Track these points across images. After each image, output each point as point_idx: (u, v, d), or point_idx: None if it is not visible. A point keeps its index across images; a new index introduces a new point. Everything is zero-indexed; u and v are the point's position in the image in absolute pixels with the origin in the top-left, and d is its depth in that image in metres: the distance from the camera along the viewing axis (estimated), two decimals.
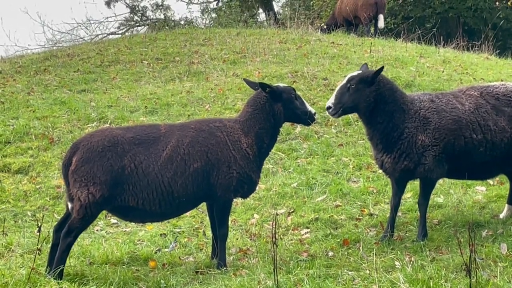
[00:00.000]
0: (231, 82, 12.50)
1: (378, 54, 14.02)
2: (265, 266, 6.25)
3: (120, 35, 25.37)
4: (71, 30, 25.09)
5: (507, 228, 6.91)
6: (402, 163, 6.71)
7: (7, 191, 8.90)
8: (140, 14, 29.63)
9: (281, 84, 6.79)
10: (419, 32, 17.47)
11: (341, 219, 7.66)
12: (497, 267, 5.83)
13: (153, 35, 17.96)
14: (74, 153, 6.08)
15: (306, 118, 6.71)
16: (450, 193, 8.18)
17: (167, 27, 21.67)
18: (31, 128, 10.48)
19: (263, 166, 6.92)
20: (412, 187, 8.03)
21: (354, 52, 14.48)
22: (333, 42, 15.59)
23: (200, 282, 6.11)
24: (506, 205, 7.40)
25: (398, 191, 7.00)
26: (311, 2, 24.93)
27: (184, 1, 29.72)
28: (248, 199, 7.63)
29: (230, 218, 7.13)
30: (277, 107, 6.56)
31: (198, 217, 8.01)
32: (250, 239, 7.28)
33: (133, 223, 7.66)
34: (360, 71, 6.87)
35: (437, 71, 13.04)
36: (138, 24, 28.94)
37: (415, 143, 6.65)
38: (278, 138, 6.99)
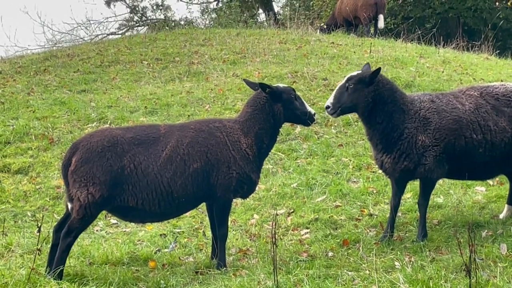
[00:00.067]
0: (231, 83, 12.50)
1: (378, 54, 14.02)
2: (265, 267, 6.25)
3: (120, 36, 25.37)
4: (71, 30, 25.12)
5: (506, 229, 6.91)
6: (402, 164, 6.71)
7: (7, 191, 8.91)
8: (140, 15, 29.64)
9: (281, 85, 6.79)
10: (419, 32, 17.48)
11: (341, 219, 7.66)
12: (497, 268, 5.83)
13: (153, 36, 17.96)
14: (73, 153, 6.08)
15: (306, 119, 6.72)
16: (450, 193, 8.18)
17: (167, 27, 21.66)
18: (31, 128, 10.49)
19: (263, 167, 6.92)
20: (412, 188, 8.03)
21: (354, 52, 14.48)
22: (333, 43, 15.60)
23: (200, 283, 6.12)
24: (506, 205, 7.40)
25: (398, 191, 7.00)
26: (311, 2, 24.93)
27: (184, 1, 29.74)
28: (248, 199, 7.64)
29: (230, 219, 7.13)
30: (277, 108, 6.56)
31: (198, 217, 8.01)
32: (250, 240, 7.28)
33: (133, 223, 7.66)
34: (359, 71, 6.88)
35: (437, 72, 13.04)
36: (138, 24, 28.94)
37: (415, 143, 6.65)
38: (278, 139, 6.99)
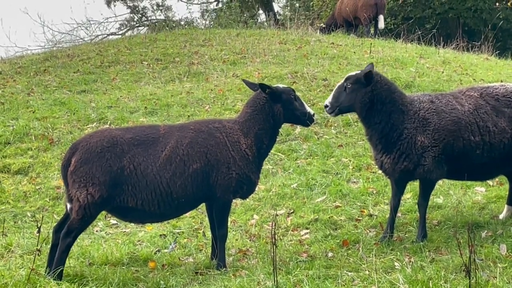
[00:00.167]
0: (231, 83, 12.50)
1: (378, 54, 14.02)
2: (265, 267, 6.25)
3: (120, 36, 25.37)
4: (71, 31, 25.10)
5: (506, 229, 6.91)
6: (401, 164, 6.71)
7: (7, 191, 8.91)
8: (140, 15, 29.63)
9: (281, 85, 6.80)
10: (419, 32, 17.48)
11: (340, 220, 7.66)
12: (497, 268, 5.84)
13: (153, 36, 17.97)
14: (73, 153, 6.09)
15: (305, 119, 6.73)
16: (449, 194, 8.18)
17: (167, 28, 21.65)
18: (31, 128, 10.49)
19: (262, 167, 6.92)
20: (412, 188, 8.03)
21: (354, 52, 14.48)
22: (333, 43, 15.60)
23: (200, 283, 6.12)
24: (506, 205, 7.40)
25: (398, 192, 7.01)
26: (311, 3, 24.93)
27: (184, 1, 29.74)
28: (247, 199, 7.64)
29: (229, 219, 7.14)
30: (276, 108, 6.56)
31: (197, 218, 8.01)
32: (250, 240, 7.28)
33: (132, 224, 7.67)
34: (358, 71, 6.91)
35: (437, 72, 13.04)
36: (138, 24, 28.94)
37: (415, 143, 6.66)
38: (277, 139, 6.99)
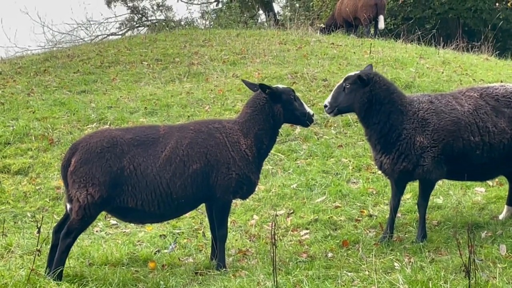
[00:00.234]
0: (231, 83, 12.50)
1: (377, 55, 14.02)
2: (265, 267, 6.25)
3: (120, 36, 25.37)
4: (71, 31, 25.13)
5: (506, 229, 6.91)
6: (400, 164, 6.72)
7: (7, 192, 8.91)
8: (140, 15, 29.63)
9: (280, 86, 6.80)
10: (419, 33, 17.47)
11: (340, 220, 7.66)
12: (496, 268, 5.84)
13: (153, 36, 17.97)
14: (73, 154, 6.09)
15: (305, 120, 6.74)
16: (449, 194, 8.18)
17: (167, 28, 21.66)
18: (31, 129, 10.49)
19: (262, 167, 6.92)
20: (412, 188, 8.03)
21: (354, 53, 14.49)
22: (332, 43, 15.60)
23: (200, 283, 6.12)
24: (506, 206, 7.40)
25: (398, 192, 7.01)
26: (311, 3, 24.93)
27: (184, 1, 29.74)
28: (247, 200, 7.64)
29: (229, 219, 7.14)
30: (276, 108, 6.57)
31: (197, 218, 8.01)
32: (250, 240, 7.28)
33: (132, 224, 7.67)
34: (357, 72, 6.93)
35: (437, 72, 13.04)
36: (138, 25, 28.94)
37: (414, 144, 6.66)
38: (277, 139, 6.99)
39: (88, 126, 10.74)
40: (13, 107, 11.69)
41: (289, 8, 29.12)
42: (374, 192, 8.38)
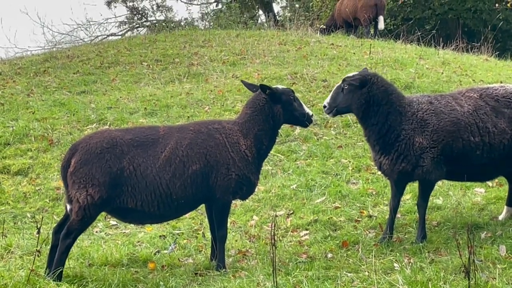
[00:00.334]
0: (231, 84, 12.50)
1: (377, 55, 14.02)
2: (264, 268, 6.26)
3: (120, 37, 25.37)
4: (70, 32, 25.12)
5: (506, 230, 6.91)
6: (400, 165, 6.72)
7: (7, 192, 8.91)
8: (140, 16, 29.63)
9: (280, 86, 6.80)
10: (419, 33, 17.47)
11: (340, 220, 7.66)
12: (496, 269, 5.84)
13: (152, 37, 17.97)
14: (73, 154, 6.09)
15: (304, 120, 6.75)
16: (449, 194, 8.18)
17: (167, 29, 21.65)
18: (30, 129, 10.49)
19: (262, 168, 6.92)
20: (411, 189, 8.04)
21: (354, 53, 14.49)
22: (332, 44, 15.60)
23: (199, 284, 6.12)
24: (505, 207, 7.40)
25: (397, 192, 7.01)
26: (311, 4, 24.93)
27: (183, 1, 29.73)
28: (247, 200, 7.65)
29: (229, 220, 7.14)
30: (276, 109, 6.57)
31: (197, 218, 8.02)
32: (249, 241, 7.28)
33: (132, 225, 7.67)
34: (355, 73, 6.95)
35: (437, 73, 13.04)
36: (138, 25, 28.94)
37: (413, 145, 6.66)
38: (277, 140, 7.00)
39: (88, 127, 10.74)
40: (13, 108, 11.69)
41: (289, 8, 29.13)
42: (374, 192, 8.38)
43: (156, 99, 12.02)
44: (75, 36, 24.85)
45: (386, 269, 6.11)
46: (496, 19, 21.50)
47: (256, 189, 6.81)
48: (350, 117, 10.43)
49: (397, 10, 23.28)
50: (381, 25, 17.34)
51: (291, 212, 8.03)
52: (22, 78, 14.20)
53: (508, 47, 22.47)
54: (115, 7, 29.31)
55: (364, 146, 9.63)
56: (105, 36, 26.02)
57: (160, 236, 7.55)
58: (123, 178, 6.05)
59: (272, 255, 5.67)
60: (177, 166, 6.17)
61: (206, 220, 6.93)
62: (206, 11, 29.02)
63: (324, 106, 7.00)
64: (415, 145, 6.66)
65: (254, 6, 29.03)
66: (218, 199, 6.34)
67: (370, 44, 15.04)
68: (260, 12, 29.79)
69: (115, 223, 8.00)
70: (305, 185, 8.69)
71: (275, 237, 5.83)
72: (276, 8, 30.22)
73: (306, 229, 7.51)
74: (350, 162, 9.36)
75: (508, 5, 22.11)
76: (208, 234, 7.06)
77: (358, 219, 7.68)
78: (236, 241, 7.29)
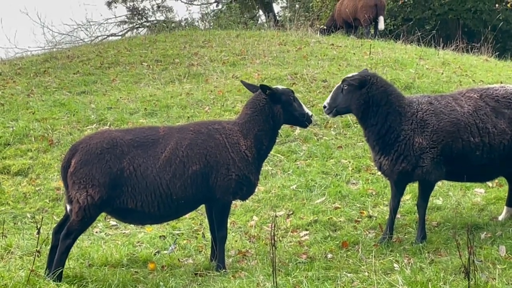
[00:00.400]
0: (231, 84, 12.51)
1: (377, 56, 14.02)
2: (264, 268, 6.26)
3: (120, 37, 25.37)
4: (71, 32, 25.12)
5: (506, 230, 6.92)
6: (399, 165, 6.72)
7: (7, 193, 8.91)
8: (140, 16, 29.63)
9: (280, 86, 6.81)
10: (419, 34, 17.47)
11: (340, 221, 7.66)
12: (496, 269, 5.84)
13: (152, 37, 17.97)
14: (73, 155, 6.09)
15: (304, 120, 6.75)
16: (449, 195, 8.18)
17: (167, 29, 21.65)
18: (30, 130, 10.49)
19: (262, 168, 6.93)
20: (411, 189, 8.03)
21: (354, 54, 14.49)
22: (332, 44, 15.60)
23: (199, 284, 6.13)
24: (505, 207, 7.41)
25: (397, 193, 7.01)
26: (311, 4, 24.93)
27: (183, 1, 29.73)
28: (247, 201, 7.64)
29: (229, 220, 7.14)
30: (276, 109, 6.57)
31: (197, 219, 8.02)
32: (249, 241, 7.28)
33: (132, 225, 7.67)
34: (355, 73, 6.97)
35: (437, 73, 13.04)
36: (138, 25, 28.95)
37: (412, 145, 6.67)
38: (277, 140, 7.00)
39: (88, 127, 10.74)
40: (13, 108, 11.69)
41: (289, 9, 29.13)
42: (374, 193, 8.38)
43: (156, 99, 12.02)
44: (75, 37, 24.87)
45: (386, 270, 6.11)
46: (496, 20, 21.50)
47: (256, 190, 6.81)
48: (350, 118, 10.43)
49: (397, 10, 23.28)
50: (381, 25, 17.35)
51: (291, 212, 8.03)
52: (22, 78, 14.21)
53: (508, 48, 22.48)
54: (116, 7, 29.32)
55: (364, 147, 9.64)
56: (105, 36, 26.04)
57: (160, 236, 7.56)
58: (123, 179, 6.05)
59: (272, 255, 5.67)
60: (177, 167, 6.17)
61: (206, 220, 6.93)
62: (206, 12, 29.02)
63: (324, 107, 7.02)
64: (415, 146, 6.66)
65: (254, 6, 29.03)
66: (218, 200, 6.34)
67: (370, 45, 15.04)
68: (260, 12, 29.80)
69: (115, 223, 8.01)
70: (305, 185, 8.69)
71: (275, 237, 5.83)
72: (276, 8, 30.25)
73: (306, 230, 7.51)
74: (350, 162, 9.36)
75: (508, 5, 22.10)
76: (208, 235, 7.06)
77: (358, 220, 7.69)
78: (236, 241, 7.29)
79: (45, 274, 6.02)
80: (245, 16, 27.17)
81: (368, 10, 17.15)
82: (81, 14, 56.51)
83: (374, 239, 7.05)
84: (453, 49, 16.52)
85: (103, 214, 6.99)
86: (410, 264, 6.09)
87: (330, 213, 7.88)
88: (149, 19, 29.51)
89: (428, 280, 5.61)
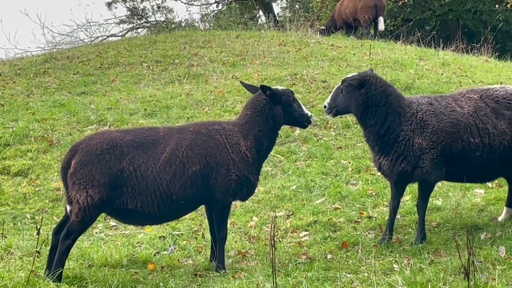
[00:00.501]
0: (231, 85, 12.51)
1: (377, 56, 14.03)
2: (264, 269, 6.26)
3: (119, 38, 25.38)
4: (71, 32, 25.12)
5: (505, 231, 6.92)
6: (399, 166, 6.72)
7: (7, 193, 8.91)
8: (140, 16, 29.64)
9: (280, 87, 6.81)
10: (419, 34, 17.47)
11: (340, 221, 7.67)
12: (496, 270, 5.84)
13: (152, 38, 17.97)
14: (73, 155, 6.09)
15: (303, 121, 6.77)
16: (448, 195, 8.18)
17: (166, 29, 21.65)
18: (30, 130, 10.49)
19: (262, 169, 6.93)
20: (411, 190, 8.03)
21: (354, 54, 14.49)
22: (332, 45, 15.60)
23: (199, 285, 6.13)
24: (505, 207, 7.40)
25: (397, 193, 7.01)
26: (311, 4, 24.93)
27: (183, 2, 29.73)
28: (247, 201, 7.64)
29: (229, 221, 7.14)
30: (276, 110, 6.58)
31: (197, 219, 8.02)
32: (249, 242, 7.28)
33: (132, 226, 7.67)
34: (355, 73, 6.98)
35: (436, 74, 13.04)
36: (138, 26, 28.95)
37: (412, 145, 6.67)
38: (277, 141, 7.00)
39: (87, 128, 10.74)
40: (12, 109, 11.69)
41: (289, 9, 29.14)
42: (374, 193, 8.38)
43: (156, 100, 12.02)
44: (75, 37, 24.87)
45: (385, 270, 6.11)
46: (496, 20, 21.51)
47: (256, 190, 6.81)
48: (350, 118, 10.43)
49: (397, 11, 23.29)
50: (381, 26, 17.35)
51: (291, 213, 8.03)
52: (22, 79, 14.21)
53: (508, 48, 22.49)
54: (116, 8, 29.32)
55: (363, 147, 9.64)
56: (105, 37, 26.05)
57: (159, 237, 7.56)
58: (123, 179, 6.05)
59: (271, 256, 5.67)
60: (177, 167, 6.18)
61: (206, 221, 6.93)
62: (206, 12, 29.02)
63: (324, 107, 7.05)
64: (415, 146, 6.66)
65: (254, 7, 29.03)
66: (218, 200, 6.35)
67: (370, 45, 15.04)
68: (260, 13, 29.81)
69: (114, 224, 8.01)
70: (304, 186, 8.69)
71: (275, 238, 5.83)
72: (276, 9, 30.26)
73: (306, 230, 7.51)
74: (349, 163, 9.36)
75: (508, 6, 22.12)
76: (208, 235, 7.06)
77: (358, 220, 7.69)
78: (236, 242, 7.29)
79: (45, 274, 6.03)
80: (245, 16, 27.17)
81: (368, 10, 17.16)
82: (81, 15, 56.53)
83: (374, 240, 7.05)
84: (453, 49, 16.53)
85: (103, 214, 6.98)
86: (409, 265, 6.09)
87: (329, 213, 7.88)
88: (149, 19, 29.52)
89: (428, 281, 5.61)
